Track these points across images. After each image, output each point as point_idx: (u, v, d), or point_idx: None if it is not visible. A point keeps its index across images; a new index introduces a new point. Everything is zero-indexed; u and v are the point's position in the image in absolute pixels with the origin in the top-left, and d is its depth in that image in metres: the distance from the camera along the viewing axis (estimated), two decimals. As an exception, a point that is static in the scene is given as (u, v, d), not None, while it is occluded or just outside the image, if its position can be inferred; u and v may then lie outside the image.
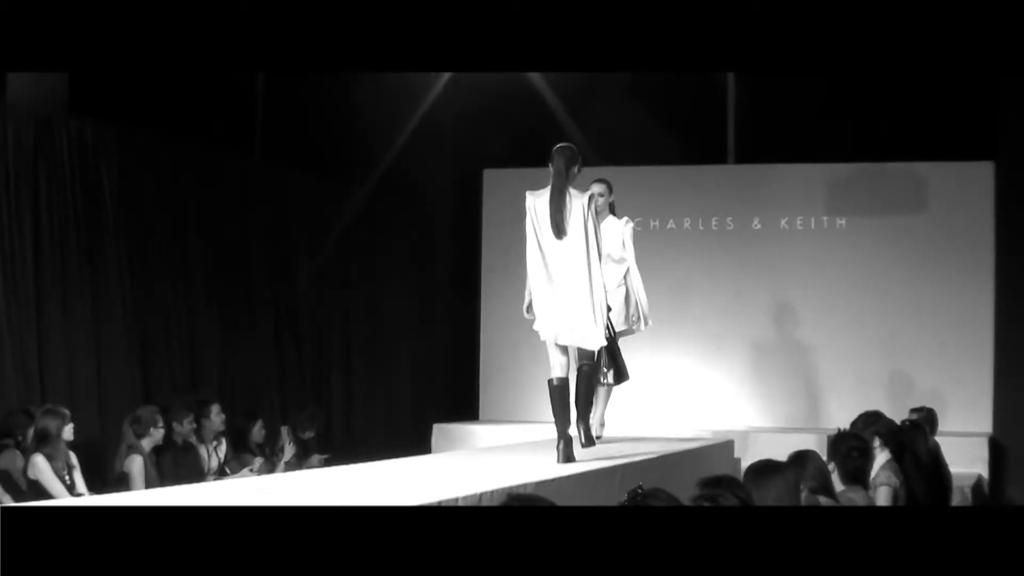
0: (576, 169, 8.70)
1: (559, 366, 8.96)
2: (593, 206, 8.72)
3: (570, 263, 8.62)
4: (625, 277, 10.57)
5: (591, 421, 9.29)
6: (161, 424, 10.85)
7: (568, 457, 8.58)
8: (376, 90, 14.12)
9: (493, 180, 15.89)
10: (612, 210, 10.71)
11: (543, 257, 8.72)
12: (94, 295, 11.84)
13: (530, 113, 14.92)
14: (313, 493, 6.83)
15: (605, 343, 9.02)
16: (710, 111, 15.35)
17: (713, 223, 15.29)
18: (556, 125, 14.70)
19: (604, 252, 9.13)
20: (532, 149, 15.47)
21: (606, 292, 8.90)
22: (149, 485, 10.29)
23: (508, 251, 14.91)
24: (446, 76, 14.37)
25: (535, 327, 9.00)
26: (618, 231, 10.59)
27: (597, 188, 10.34)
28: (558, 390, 8.90)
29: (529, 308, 9.14)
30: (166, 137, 12.94)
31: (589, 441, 8.97)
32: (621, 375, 10.54)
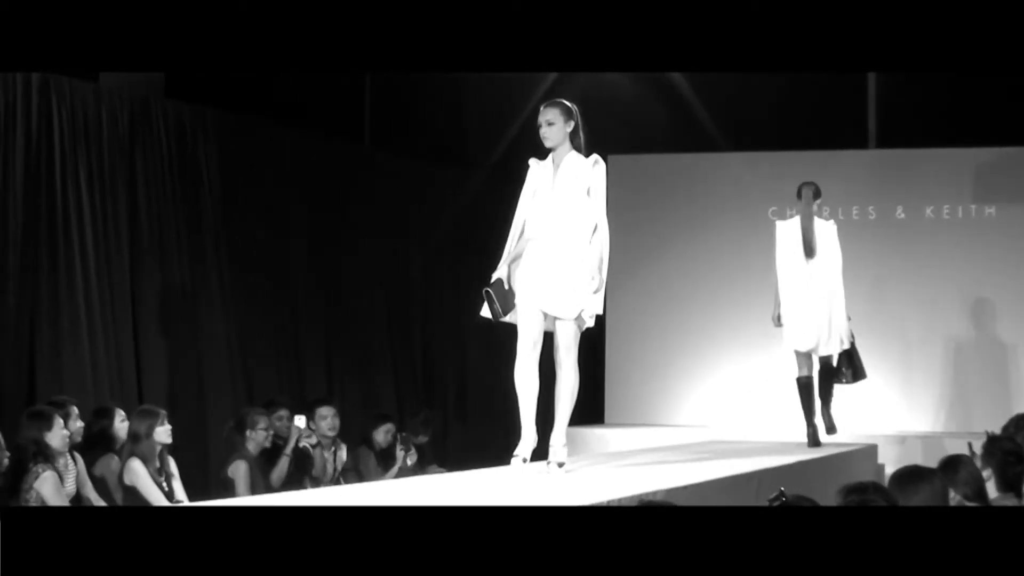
0: (820, 202, 10.74)
1: (806, 367, 10.70)
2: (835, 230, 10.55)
3: (819, 280, 10.46)
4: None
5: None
6: (267, 426, 10.31)
7: (815, 442, 10.63)
8: (490, 75, 13.51)
9: (616, 167, 15.17)
10: None
11: (795, 275, 10.50)
12: (193, 288, 11.45)
13: (655, 97, 14.24)
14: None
15: (847, 347, 10.71)
16: (849, 92, 14.53)
17: (854, 212, 14.56)
18: (682, 109, 14.07)
19: None
20: (656, 135, 15.04)
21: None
22: (255, 492, 9.88)
23: (632, 243, 14.36)
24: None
25: (786, 337, 10.65)
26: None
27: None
28: (806, 388, 10.68)
29: (778, 319, 10.71)
30: (268, 121, 12.55)
31: (830, 430, 10.81)
32: (858, 374, 11.13)
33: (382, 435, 11.72)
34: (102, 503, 9.02)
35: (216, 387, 11.51)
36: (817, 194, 10.75)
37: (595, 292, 7.65)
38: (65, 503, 8.55)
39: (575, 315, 7.64)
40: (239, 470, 10.04)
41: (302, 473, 10.71)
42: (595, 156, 7.80)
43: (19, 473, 8.36)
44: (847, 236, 11.24)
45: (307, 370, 12.75)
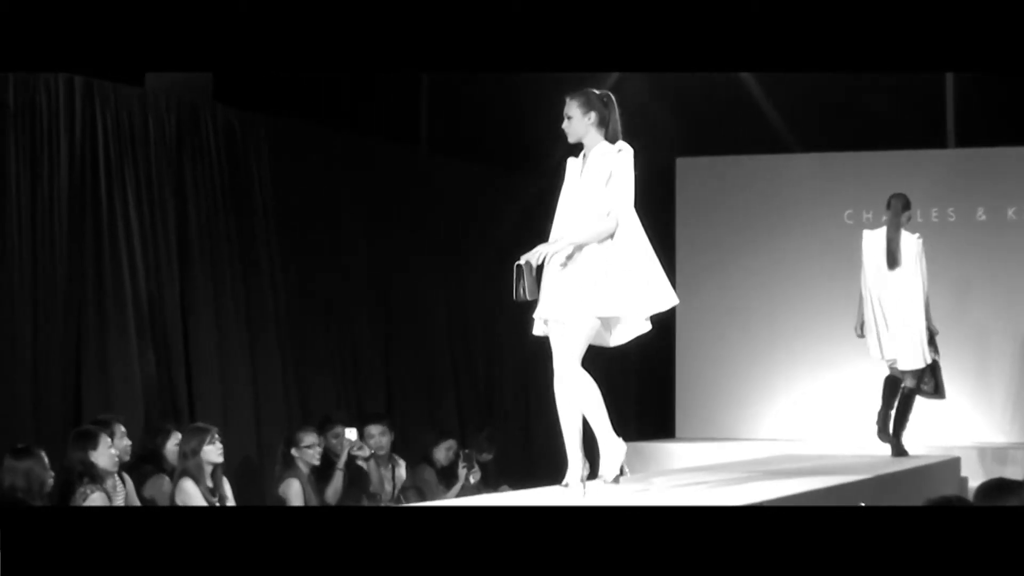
0: (908, 214, 10.96)
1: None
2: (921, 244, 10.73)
3: (901, 292, 10.67)
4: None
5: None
6: (314, 444, 10.04)
7: (900, 451, 10.80)
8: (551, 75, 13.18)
9: (688, 170, 14.84)
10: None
11: (877, 286, 10.73)
12: (247, 298, 11.16)
13: (725, 98, 13.88)
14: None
15: (930, 361, 10.84)
16: (926, 87, 14.06)
17: (933, 214, 14.09)
18: (753, 109, 13.71)
19: None
20: (729, 136, 14.70)
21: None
22: None
23: (705, 248, 14.07)
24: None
25: (869, 348, 10.87)
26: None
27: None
28: (891, 385, 10.87)
29: (860, 328, 10.96)
30: (320, 126, 12.27)
31: (899, 453, 10.82)
32: (938, 390, 11.20)
33: (443, 452, 11.49)
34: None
35: (271, 404, 11.21)
36: (906, 206, 10.96)
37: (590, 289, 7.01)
38: None
39: (566, 318, 7.06)
40: (291, 488, 9.82)
41: (358, 490, 10.50)
42: (621, 143, 7.15)
43: (66, 494, 8.15)
44: (926, 238, 11.07)
45: (365, 386, 12.42)
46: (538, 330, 7.27)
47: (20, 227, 9.25)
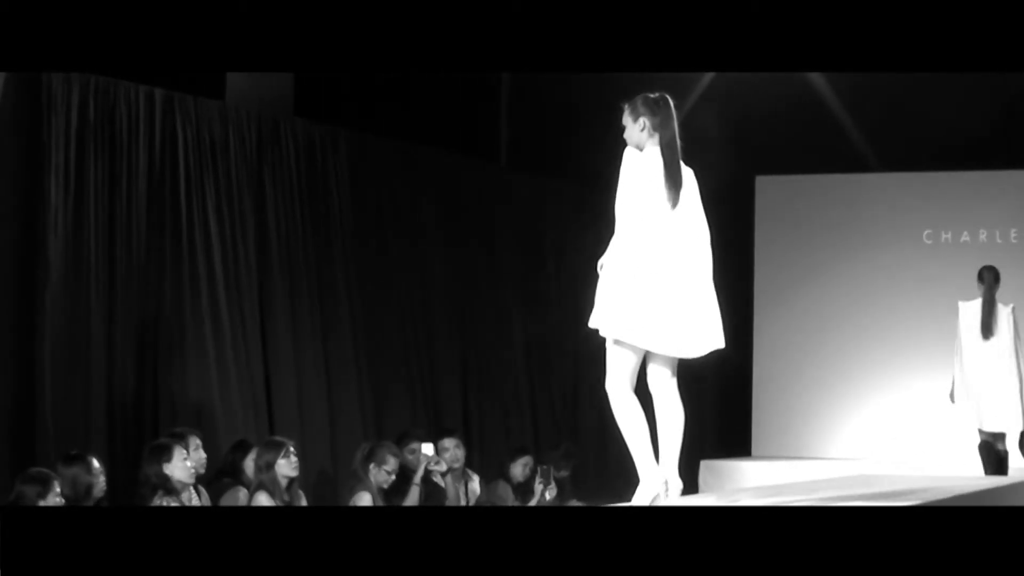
0: (999, 285, 11.22)
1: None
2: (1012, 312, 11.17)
3: (997, 360, 11.08)
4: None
5: None
6: (395, 459, 9.97)
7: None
8: (627, 91, 13.08)
9: (767, 188, 14.73)
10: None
11: (974, 355, 11.09)
12: (323, 312, 11.12)
13: (806, 115, 13.78)
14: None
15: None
16: (1011, 104, 13.79)
17: (1012, 235, 13.97)
18: (834, 127, 13.58)
19: None
20: (810, 153, 14.56)
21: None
22: None
23: (783, 267, 13.86)
24: (708, 75, 13.23)
25: (977, 416, 11.14)
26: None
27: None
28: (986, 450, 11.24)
29: (952, 396, 11.39)
30: (401, 140, 12.20)
31: None
32: None
33: (519, 468, 11.38)
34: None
35: (346, 418, 11.16)
36: (997, 278, 11.31)
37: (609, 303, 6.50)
38: None
39: (599, 327, 6.56)
40: (361, 501, 9.74)
41: (434, 505, 10.38)
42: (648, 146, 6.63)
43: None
44: (1005, 260, 11.03)
45: (441, 400, 12.36)
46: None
47: (97, 240, 9.22)
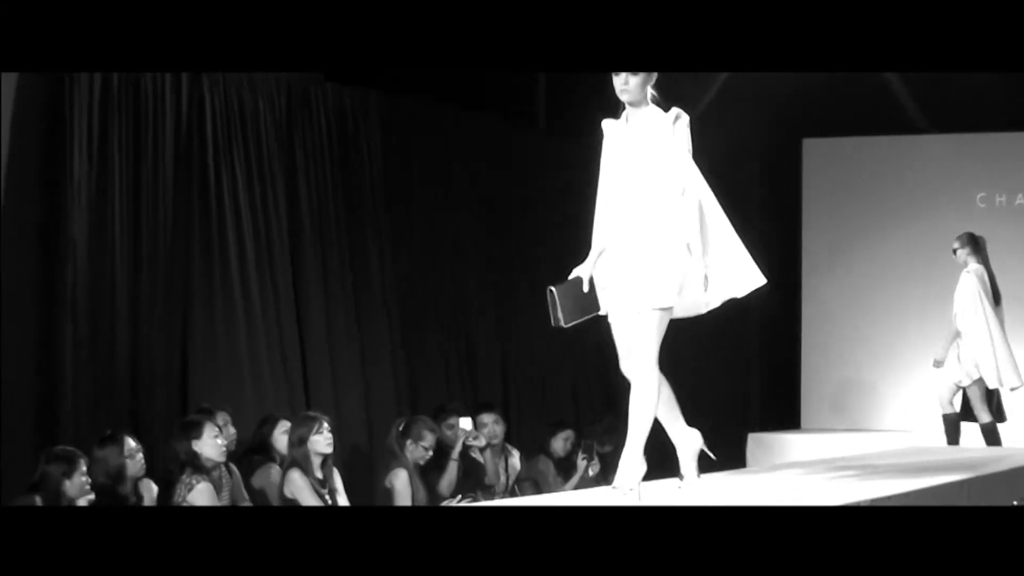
0: None
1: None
2: None
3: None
4: None
5: None
6: (432, 434, 9.75)
7: None
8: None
9: (814, 151, 14.43)
10: None
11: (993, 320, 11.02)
12: (356, 282, 10.94)
13: (854, 76, 13.48)
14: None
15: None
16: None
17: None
18: (883, 88, 13.34)
19: None
20: (858, 115, 14.30)
21: None
22: (416, 501, 9.44)
23: (832, 231, 13.85)
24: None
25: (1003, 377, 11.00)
26: None
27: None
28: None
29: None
30: (434, 104, 11.99)
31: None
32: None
33: (560, 443, 11.22)
34: (259, 517, 8.44)
35: (381, 392, 10.97)
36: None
37: (687, 275, 6.20)
38: None
39: (648, 305, 6.20)
40: (399, 478, 9.53)
41: (473, 481, 10.23)
42: (676, 110, 6.32)
43: (170, 484, 7.98)
44: None
45: (479, 373, 12.17)
46: (614, 325, 6.55)
47: (122, 212, 9.07)
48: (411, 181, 11.60)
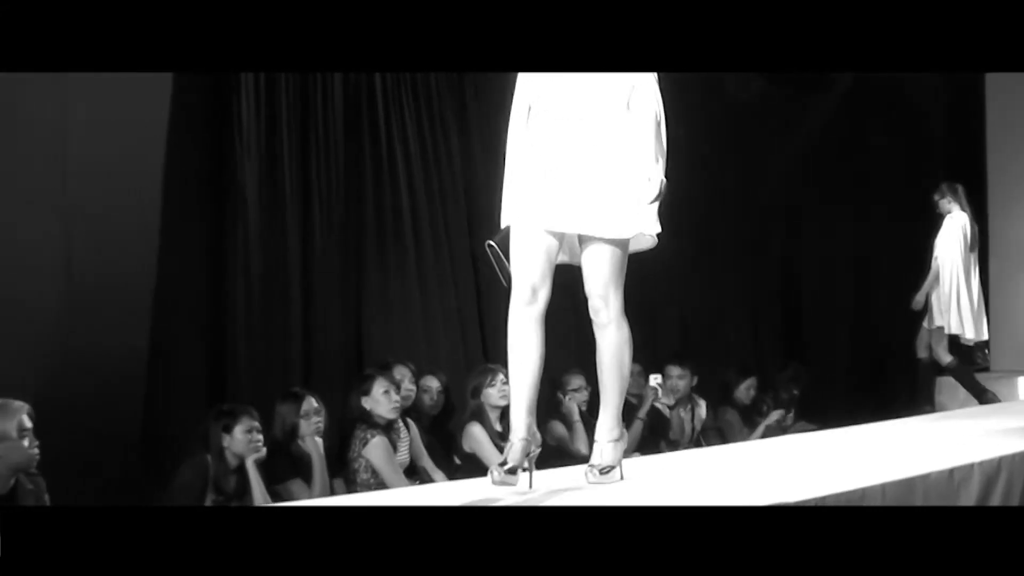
0: None
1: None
2: None
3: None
4: None
5: None
6: (579, 385, 9.49)
7: None
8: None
9: (999, 86, 13.99)
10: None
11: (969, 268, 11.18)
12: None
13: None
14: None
15: None
16: None
17: None
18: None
19: None
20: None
21: None
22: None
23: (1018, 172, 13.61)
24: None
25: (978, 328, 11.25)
26: None
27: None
28: None
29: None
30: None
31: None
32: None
33: (744, 391, 11.16)
34: (440, 475, 8.42)
35: (553, 348, 10.74)
36: None
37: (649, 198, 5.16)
38: (398, 473, 8.12)
39: (623, 232, 5.20)
40: (557, 428, 9.40)
41: (658, 437, 10.13)
42: None
43: (346, 439, 8.05)
44: None
45: (658, 324, 11.95)
46: (529, 249, 5.26)
47: (292, 168, 9.04)
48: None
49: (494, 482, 4.92)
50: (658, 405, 10.19)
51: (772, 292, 13.51)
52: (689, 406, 10.56)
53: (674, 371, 10.45)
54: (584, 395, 9.45)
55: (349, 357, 9.40)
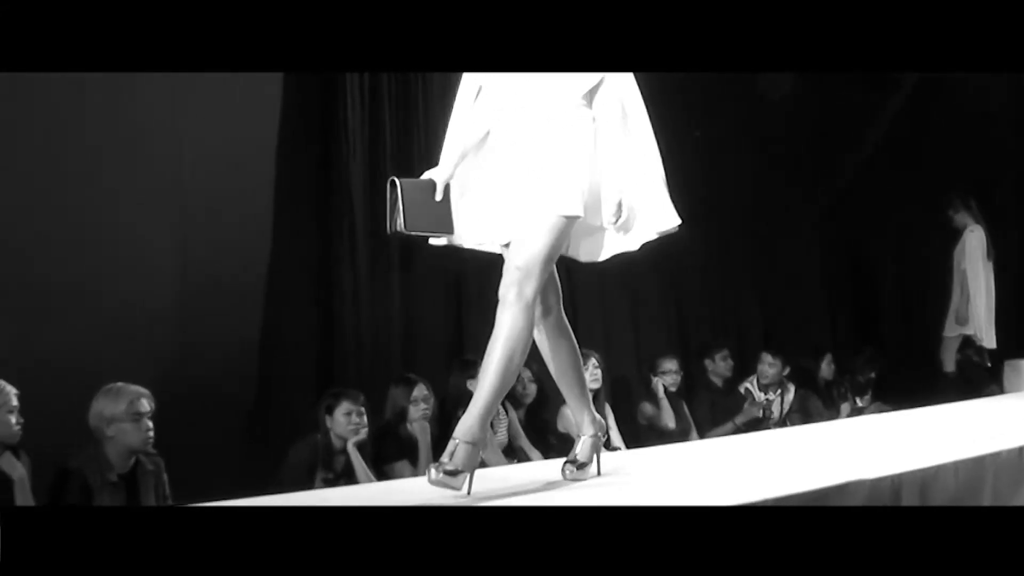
0: None
1: None
2: None
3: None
4: None
5: None
6: (680, 371, 10.19)
7: None
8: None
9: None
10: None
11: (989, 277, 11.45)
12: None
13: None
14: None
15: None
16: None
17: None
18: None
19: None
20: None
21: None
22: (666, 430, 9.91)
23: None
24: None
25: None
26: None
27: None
28: None
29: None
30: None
31: None
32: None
33: (826, 367, 11.65)
34: (536, 455, 8.67)
35: (648, 332, 11.19)
36: None
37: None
38: (497, 453, 8.35)
39: (545, 210, 4.73)
40: (646, 410, 10.00)
41: (726, 413, 10.74)
42: None
43: (444, 420, 8.18)
44: None
45: (743, 312, 12.35)
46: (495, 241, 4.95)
47: (393, 164, 9.08)
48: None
49: (431, 481, 4.44)
50: (714, 379, 10.85)
51: (845, 279, 13.73)
52: (779, 391, 10.89)
53: (766, 358, 10.89)
54: (673, 378, 10.13)
55: (452, 341, 9.63)
